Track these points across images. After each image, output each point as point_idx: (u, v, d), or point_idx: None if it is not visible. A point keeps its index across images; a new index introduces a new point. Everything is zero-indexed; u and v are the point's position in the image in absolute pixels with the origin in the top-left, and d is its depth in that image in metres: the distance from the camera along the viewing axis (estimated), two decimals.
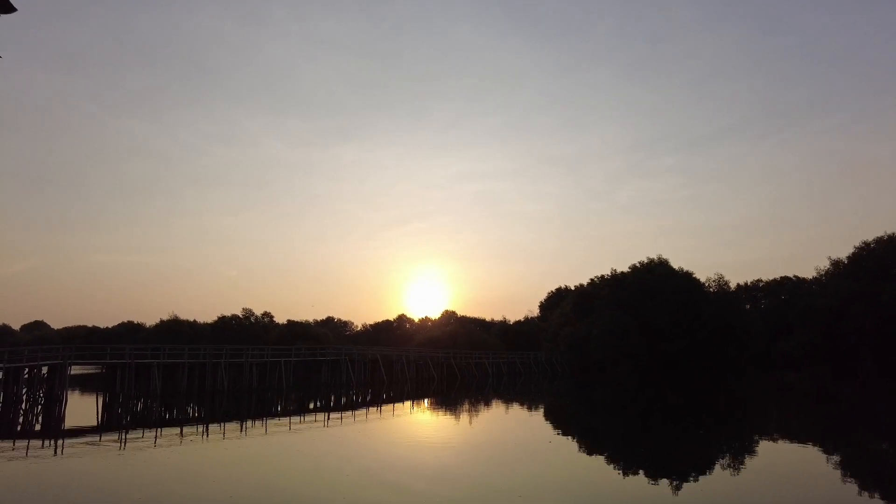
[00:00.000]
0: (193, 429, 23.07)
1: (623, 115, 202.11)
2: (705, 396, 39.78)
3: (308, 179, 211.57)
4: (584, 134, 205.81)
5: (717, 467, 15.88)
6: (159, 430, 22.72)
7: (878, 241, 65.80)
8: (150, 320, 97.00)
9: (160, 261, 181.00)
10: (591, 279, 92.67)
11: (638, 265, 79.45)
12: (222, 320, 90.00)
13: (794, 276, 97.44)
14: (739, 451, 18.36)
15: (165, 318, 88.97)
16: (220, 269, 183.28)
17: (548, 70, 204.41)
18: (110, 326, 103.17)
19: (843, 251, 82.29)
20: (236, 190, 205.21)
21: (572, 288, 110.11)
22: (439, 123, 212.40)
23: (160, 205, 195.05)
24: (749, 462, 16.36)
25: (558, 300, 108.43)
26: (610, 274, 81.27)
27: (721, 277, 77.63)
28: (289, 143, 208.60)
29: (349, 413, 28.86)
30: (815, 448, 19.04)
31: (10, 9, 5.36)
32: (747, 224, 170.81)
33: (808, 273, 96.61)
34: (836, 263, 70.20)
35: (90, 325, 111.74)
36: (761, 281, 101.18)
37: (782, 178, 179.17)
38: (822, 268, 74.88)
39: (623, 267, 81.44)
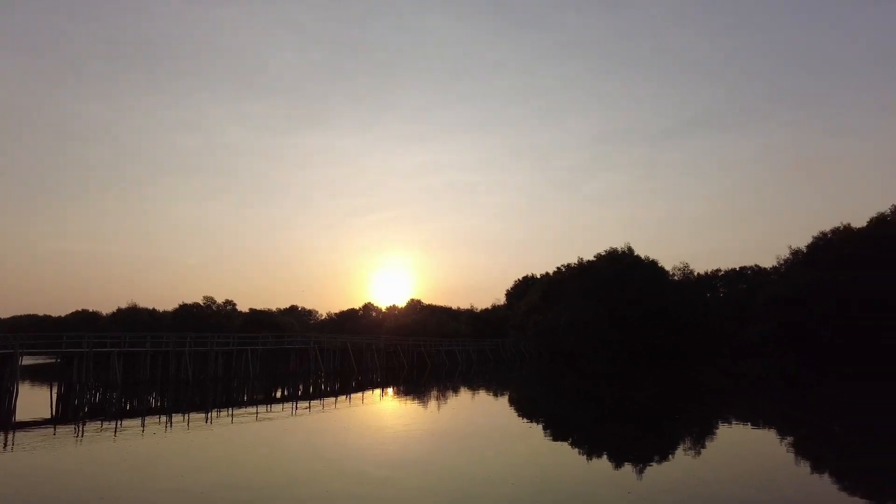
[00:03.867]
0: (156, 419, 22.15)
1: (591, 108, 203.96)
2: (671, 383, 40.51)
3: (272, 166, 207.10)
4: (552, 126, 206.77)
5: (680, 452, 16.13)
6: (119, 421, 21.76)
7: (835, 231, 67.99)
8: (106, 309, 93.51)
9: (118, 249, 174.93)
10: (559, 268, 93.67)
11: (604, 254, 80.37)
12: (184, 308, 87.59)
13: (756, 266, 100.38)
14: (701, 437, 18.75)
15: (123, 306, 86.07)
16: (180, 258, 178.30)
17: (519, 62, 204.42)
18: (63, 315, 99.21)
19: (802, 241, 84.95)
20: (198, 177, 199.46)
21: (539, 276, 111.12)
22: (408, 112, 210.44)
23: (119, 192, 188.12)
24: (710, 446, 16.74)
25: (525, 288, 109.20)
26: (577, 262, 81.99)
27: (686, 266, 79.38)
28: (253, 129, 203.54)
29: (318, 402, 28.37)
30: (773, 432, 19.69)
31: None
32: (710, 215, 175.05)
33: (770, 262, 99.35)
34: (795, 253, 72.28)
35: (41, 313, 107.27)
36: (720, 270, 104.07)
37: (743, 170, 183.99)
38: (783, 257, 77.03)
39: (589, 256, 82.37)
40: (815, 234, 70.18)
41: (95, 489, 11.64)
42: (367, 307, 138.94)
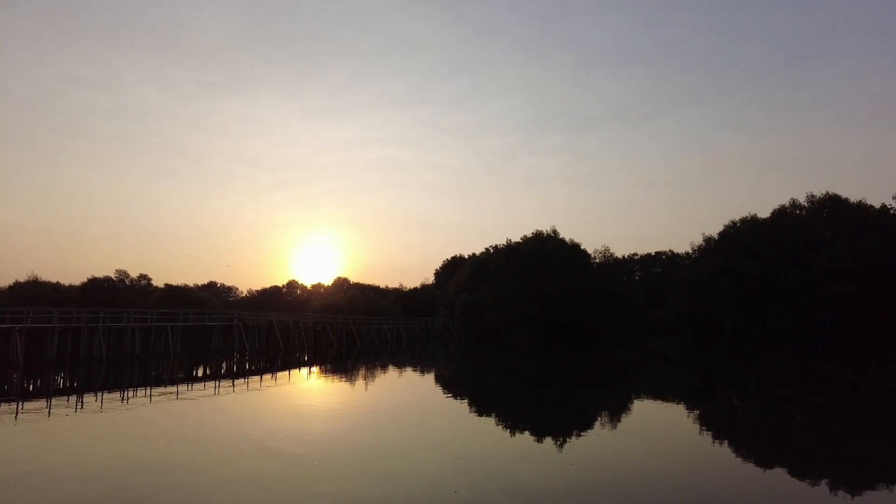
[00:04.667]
0: (64, 400, 20.70)
1: (519, 91, 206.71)
2: (590, 360, 42.43)
3: (187, 134, 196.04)
4: (481, 107, 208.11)
5: (598, 425, 16.98)
6: (21, 402, 20.09)
7: (743, 220, 73.07)
8: (1, 282, 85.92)
9: (13, 217, 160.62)
10: (487, 248, 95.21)
11: (531, 236, 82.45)
12: (93, 282, 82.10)
13: (670, 251, 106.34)
14: (617, 410, 19.83)
15: (22, 279, 79.51)
16: (86, 228, 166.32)
17: (448, 39, 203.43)
18: None
19: (714, 229, 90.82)
20: (103, 140, 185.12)
21: (467, 256, 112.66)
22: (335, 85, 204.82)
23: (11, 154, 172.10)
24: (625, 419, 17.80)
25: (454, 268, 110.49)
26: (505, 244, 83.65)
27: (607, 249, 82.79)
28: (167, 92, 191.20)
29: (242, 381, 27.55)
30: (681, 406, 21.11)
31: None
32: (629, 202, 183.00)
33: (684, 248, 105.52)
34: (707, 240, 77.12)
35: None
36: (637, 254, 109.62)
37: (660, 159, 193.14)
38: (696, 243, 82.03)
39: (516, 238, 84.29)
40: (726, 222, 75.18)
41: (4, 476, 10.91)
42: (292, 285, 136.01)
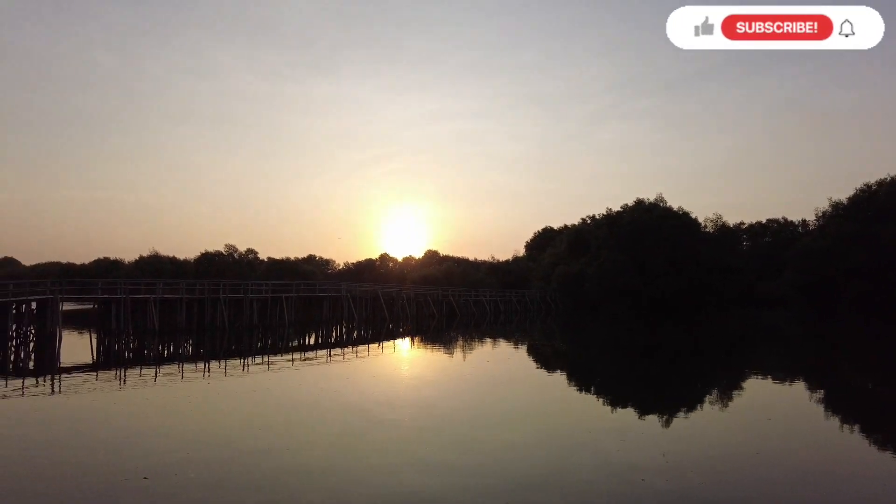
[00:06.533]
0: (193, 366, 22.24)
1: (604, 54, 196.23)
2: (696, 334, 40.06)
3: (281, 115, 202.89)
4: (565, 72, 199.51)
5: (700, 401, 16.02)
6: (158, 367, 21.79)
7: (881, 182, 65.49)
8: (128, 257, 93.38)
9: (133, 197, 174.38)
10: (583, 218, 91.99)
11: (632, 204, 78.63)
12: (206, 256, 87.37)
13: (783, 219, 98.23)
14: (723, 387, 18.53)
15: (145, 254, 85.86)
16: (194, 206, 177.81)
17: (527, 4, 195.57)
18: (87, 263, 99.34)
19: (821, 194, 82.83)
20: (207, 125, 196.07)
21: (557, 228, 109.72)
22: (415, 57, 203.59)
23: (129, 140, 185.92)
24: (732, 396, 16.58)
25: (545, 240, 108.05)
26: (604, 213, 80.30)
27: (719, 217, 77.32)
28: (262, 76, 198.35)
29: (350, 349, 28.38)
30: (802, 384, 19.30)
31: None
32: (727, 167, 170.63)
33: (795, 215, 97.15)
34: (835, 205, 70.07)
35: (64, 261, 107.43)
36: (743, 223, 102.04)
37: (763, 120, 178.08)
38: (821, 209, 74.80)
39: (607, 208, 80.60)
40: (859, 185, 67.53)
41: (137, 431, 11.96)
42: (384, 257, 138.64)
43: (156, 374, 19.84)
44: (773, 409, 14.34)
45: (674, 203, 77.52)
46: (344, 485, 8.43)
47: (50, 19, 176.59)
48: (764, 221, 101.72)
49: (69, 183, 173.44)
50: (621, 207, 79.90)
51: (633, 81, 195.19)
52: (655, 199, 75.93)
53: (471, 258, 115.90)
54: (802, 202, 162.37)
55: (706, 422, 13.32)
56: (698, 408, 15.22)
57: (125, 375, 19.62)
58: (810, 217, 79.51)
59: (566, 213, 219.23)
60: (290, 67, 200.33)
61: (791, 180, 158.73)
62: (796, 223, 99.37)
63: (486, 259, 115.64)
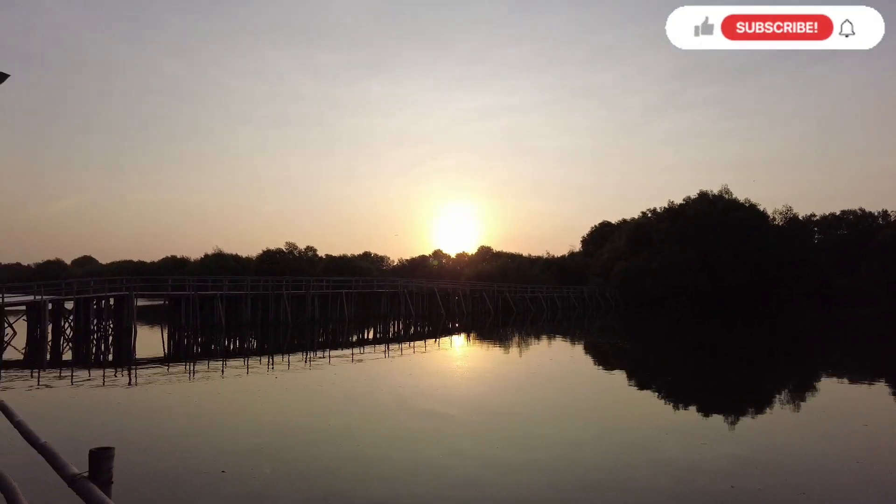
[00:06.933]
0: (257, 360, 22.79)
1: (657, 43, 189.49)
2: (766, 332, 37.96)
3: (336, 115, 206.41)
4: (617, 63, 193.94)
5: (777, 404, 14.93)
6: (224, 361, 22.54)
7: None
8: (194, 255, 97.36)
9: (197, 199, 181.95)
10: (644, 212, 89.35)
11: (696, 197, 75.74)
12: (267, 254, 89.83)
13: (860, 209, 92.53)
14: (800, 389, 17.35)
15: (210, 252, 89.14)
16: (255, 206, 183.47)
17: None
18: (156, 261, 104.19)
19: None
20: (265, 127, 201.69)
21: (615, 223, 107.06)
22: (465, 53, 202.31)
23: (191, 144, 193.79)
24: (811, 400, 15.38)
25: (602, 234, 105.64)
26: (667, 206, 77.61)
27: (789, 209, 73.45)
28: (316, 77, 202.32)
29: (408, 345, 28.59)
30: (883, 385, 17.61)
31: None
32: (791, 158, 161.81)
33: (873, 206, 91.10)
34: None
35: (136, 259, 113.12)
36: (815, 215, 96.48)
37: (829, 108, 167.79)
38: None
39: (666, 201, 77.75)
40: None
41: (207, 421, 12.58)
42: (437, 254, 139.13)
43: (223, 368, 20.49)
44: (865, 416, 13.18)
45: (739, 195, 74.17)
46: (403, 475, 8.59)
47: (123, 32, 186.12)
48: (838, 213, 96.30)
49: (139, 186, 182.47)
50: (683, 200, 77.16)
51: (691, 70, 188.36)
52: (720, 191, 72.91)
53: (524, 254, 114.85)
54: (882, 192, 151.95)
55: (792, 426, 12.33)
56: (780, 411, 14.17)
57: (194, 369, 20.37)
58: (892, 207, 74.23)
59: (623, 208, 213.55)
60: (344, 68, 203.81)
61: (867, 169, 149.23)
62: (875, 214, 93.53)
63: (541, 255, 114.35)
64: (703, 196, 73.52)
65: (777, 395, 16.27)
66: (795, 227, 73.76)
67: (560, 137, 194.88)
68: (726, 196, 72.04)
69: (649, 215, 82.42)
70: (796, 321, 46.60)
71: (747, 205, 70.56)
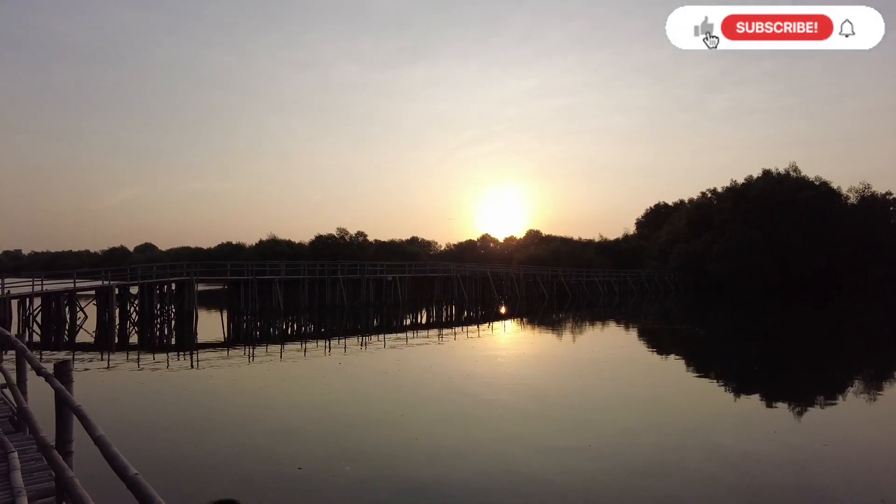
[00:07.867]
0: (314, 344, 22.89)
1: None
2: (837, 319, 35.63)
3: (382, 102, 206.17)
4: (669, 41, 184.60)
5: (850, 395, 13.80)
6: (282, 345, 22.68)
7: None
8: (248, 241, 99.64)
9: (251, 187, 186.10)
10: (704, 192, 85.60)
11: (761, 175, 71.87)
12: (319, 239, 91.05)
13: None
14: (865, 380, 16.04)
15: (264, 238, 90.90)
16: (306, 193, 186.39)
17: None
18: (212, 247, 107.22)
19: None
20: (316, 116, 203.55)
21: (671, 204, 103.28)
22: (514, 34, 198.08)
23: (247, 134, 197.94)
24: (879, 392, 14.13)
25: (658, 216, 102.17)
26: (729, 186, 73.98)
27: (867, 187, 68.55)
28: (363, 65, 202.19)
29: (461, 329, 28.19)
30: None
31: None
32: (858, 134, 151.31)
33: None
34: None
35: (193, 246, 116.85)
36: (891, 193, 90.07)
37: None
38: None
39: (729, 180, 73.89)
40: None
41: (264, 403, 12.62)
42: (485, 238, 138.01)
43: (281, 351, 20.59)
44: None
45: (808, 173, 69.83)
46: (454, 461, 8.54)
47: (177, 26, 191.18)
48: None
49: (196, 175, 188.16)
50: (746, 179, 73.39)
51: None
52: (787, 169, 68.82)
53: (575, 237, 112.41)
54: None
55: (865, 419, 11.38)
56: (852, 402, 13.05)
57: (254, 353, 20.36)
58: None
59: (680, 189, 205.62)
60: (389, 54, 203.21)
61: None
62: None
63: (593, 238, 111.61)
64: (767, 175, 69.68)
65: (849, 387, 15.04)
66: (872, 206, 68.96)
67: (613, 117, 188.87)
68: (793, 174, 67.99)
69: (709, 196, 78.85)
70: (872, 308, 43.53)
71: (818, 182, 66.38)
